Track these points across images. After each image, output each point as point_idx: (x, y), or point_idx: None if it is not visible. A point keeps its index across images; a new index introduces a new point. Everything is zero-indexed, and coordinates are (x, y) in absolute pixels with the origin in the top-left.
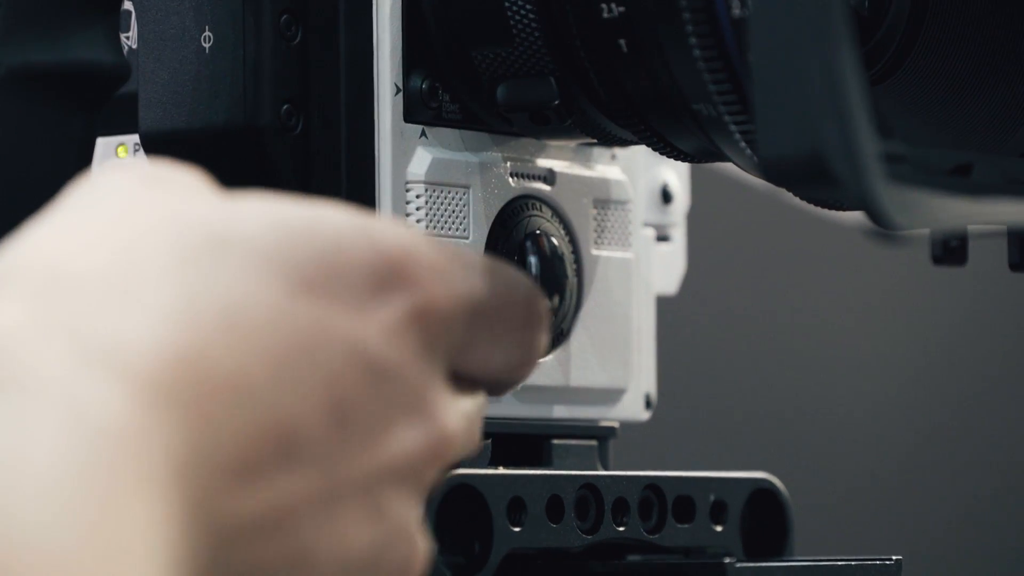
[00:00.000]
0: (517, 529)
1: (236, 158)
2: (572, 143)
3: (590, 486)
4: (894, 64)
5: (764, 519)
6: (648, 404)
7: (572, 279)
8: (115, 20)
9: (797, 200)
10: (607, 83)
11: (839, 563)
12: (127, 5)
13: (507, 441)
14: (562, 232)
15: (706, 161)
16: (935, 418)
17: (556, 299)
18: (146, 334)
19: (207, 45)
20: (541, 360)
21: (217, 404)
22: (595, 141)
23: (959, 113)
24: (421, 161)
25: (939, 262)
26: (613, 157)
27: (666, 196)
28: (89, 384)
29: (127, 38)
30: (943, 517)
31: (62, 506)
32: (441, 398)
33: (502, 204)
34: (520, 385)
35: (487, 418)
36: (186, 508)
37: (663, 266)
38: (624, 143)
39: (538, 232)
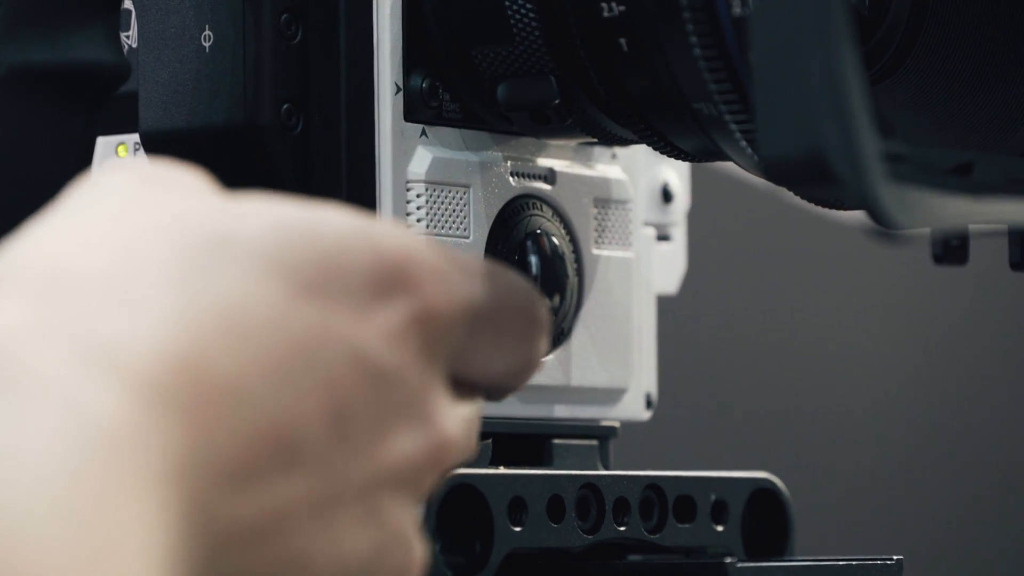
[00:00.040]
0: (518, 529)
1: (236, 158)
2: (572, 142)
3: (591, 486)
4: (895, 63)
5: (765, 519)
6: (649, 404)
7: (573, 278)
8: (115, 19)
9: (798, 199)
10: (607, 82)
11: (840, 563)
12: (127, 4)
13: (508, 441)
14: (563, 231)
15: (707, 160)
16: (935, 418)
17: (557, 299)
18: (145, 335)
19: (207, 44)
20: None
21: (216, 406)
22: (595, 140)
23: (959, 112)
24: (421, 160)
25: (940, 261)
26: (613, 156)
27: (667, 195)
28: (88, 384)
29: (127, 37)
30: (943, 517)
31: (56, 503)
32: (441, 403)
33: (502, 203)
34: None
35: (488, 418)
36: (183, 510)
37: (664, 266)
38: (624, 142)
39: (539, 231)
